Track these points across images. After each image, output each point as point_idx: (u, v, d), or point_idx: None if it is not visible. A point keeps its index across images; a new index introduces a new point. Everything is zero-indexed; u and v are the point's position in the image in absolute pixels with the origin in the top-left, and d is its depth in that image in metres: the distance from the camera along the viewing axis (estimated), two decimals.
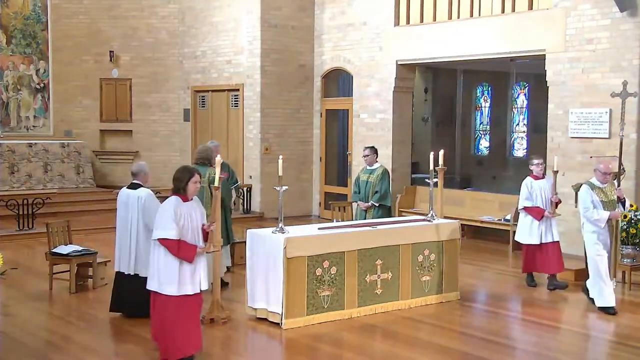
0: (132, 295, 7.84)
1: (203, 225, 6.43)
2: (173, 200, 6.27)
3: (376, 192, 9.99)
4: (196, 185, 6.29)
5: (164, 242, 6.13)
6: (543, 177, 9.61)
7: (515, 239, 9.92)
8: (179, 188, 6.28)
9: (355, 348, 7.07)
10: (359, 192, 10.21)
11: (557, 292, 9.39)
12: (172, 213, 6.16)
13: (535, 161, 9.68)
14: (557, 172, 9.39)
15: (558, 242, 9.58)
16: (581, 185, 8.77)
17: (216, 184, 7.21)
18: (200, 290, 6.35)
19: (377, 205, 9.99)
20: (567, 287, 9.39)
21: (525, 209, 9.53)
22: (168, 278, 6.15)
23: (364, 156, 10.33)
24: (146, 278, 7.72)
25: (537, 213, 9.44)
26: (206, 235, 6.48)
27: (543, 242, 9.44)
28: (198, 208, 6.41)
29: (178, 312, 6.18)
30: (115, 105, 17.55)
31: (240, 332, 7.66)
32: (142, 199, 7.67)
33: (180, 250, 6.12)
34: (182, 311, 6.20)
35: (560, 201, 9.68)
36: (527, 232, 9.53)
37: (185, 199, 6.28)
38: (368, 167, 10.28)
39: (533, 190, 9.52)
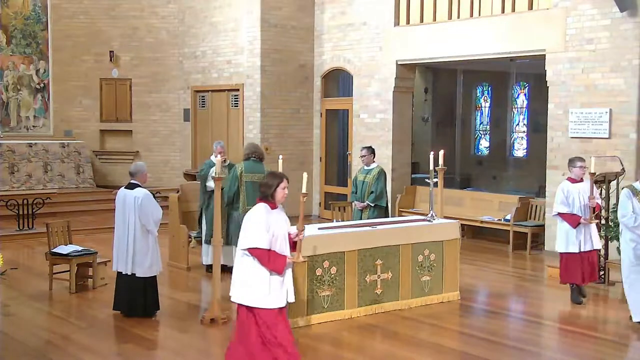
0: (129, 295, 7.86)
1: (290, 233, 5.98)
2: (262, 207, 5.82)
3: (372, 192, 9.98)
4: (284, 192, 5.89)
5: (254, 252, 5.70)
6: (581, 181, 8.80)
7: (556, 249, 9.07)
8: (267, 195, 5.85)
9: (355, 348, 7.07)
10: (357, 192, 10.21)
11: (557, 292, 9.38)
12: (263, 221, 5.73)
13: (579, 163, 8.77)
14: (594, 174, 8.61)
15: (597, 250, 8.98)
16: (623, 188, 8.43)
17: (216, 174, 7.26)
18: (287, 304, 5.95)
19: (372, 205, 9.99)
20: (581, 303, 8.80)
21: (560, 215, 8.81)
22: (258, 290, 5.74)
23: (361, 156, 10.34)
24: (143, 278, 7.77)
25: (572, 221, 8.70)
26: (293, 245, 6.01)
27: (582, 250, 8.72)
28: (284, 215, 5.98)
29: (271, 324, 5.75)
30: (115, 105, 17.55)
31: None
32: (139, 199, 7.67)
33: (271, 260, 5.71)
34: (275, 323, 5.77)
35: (599, 206, 8.93)
36: (564, 239, 8.81)
37: (274, 206, 5.86)
38: (365, 167, 10.28)
39: (570, 194, 8.72)
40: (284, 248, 5.84)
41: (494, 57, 13.02)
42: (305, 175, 5.84)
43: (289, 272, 5.89)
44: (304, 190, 5.88)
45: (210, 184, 9.93)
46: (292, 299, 5.92)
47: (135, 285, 7.81)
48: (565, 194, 8.75)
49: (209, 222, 9.77)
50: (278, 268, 5.74)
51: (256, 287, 5.73)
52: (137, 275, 7.77)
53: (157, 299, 8.03)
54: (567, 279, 8.91)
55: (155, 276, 7.95)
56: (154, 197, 8.15)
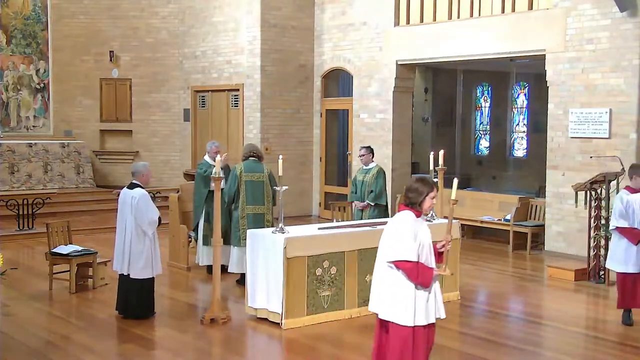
0: (124, 296, 7.86)
1: (434, 244, 5.45)
2: (408, 216, 5.31)
3: (371, 191, 9.97)
4: (433, 202, 5.37)
5: (403, 264, 5.19)
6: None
7: (607, 265, 8.33)
8: (415, 202, 5.32)
9: (355, 348, 7.07)
10: (356, 192, 10.21)
11: (557, 292, 9.38)
12: (411, 231, 5.23)
13: None
14: None
15: None
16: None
17: (216, 175, 7.25)
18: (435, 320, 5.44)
19: (372, 204, 9.98)
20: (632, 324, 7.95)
21: (619, 229, 7.82)
22: (403, 305, 5.23)
23: (360, 156, 10.32)
24: (139, 279, 7.74)
25: (632, 236, 7.70)
26: (439, 256, 5.50)
27: None
28: (426, 224, 5.46)
29: (412, 344, 5.27)
30: (115, 105, 17.55)
31: (240, 332, 7.66)
32: (136, 199, 7.67)
33: (420, 274, 5.21)
34: (416, 344, 5.29)
35: None
36: (622, 257, 7.81)
37: (419, 214, 5.35)
38: (364, 167, 10.28)
39: (629, 206, 7.76)
40: (429, 259, 5.34)
41: (494, 57, 13.01)
42: (455, 180, 5.41)
43: (437, 287, 5.42)
44: (453, 197, 5.40)
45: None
46: (442, 315, 5.44)
47: (130, 286, 7.80)
48: (623, 205, 7.78)
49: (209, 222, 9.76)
50: (426, 282, 5.25)
51: (401, 302, 5.23)
52: (130, 276, 7.76)
53: (152, 302, 7.98)
54: (626, 303, 7.91)
55: (152, 279, 7.92)
56: (154, 197, 8.15)
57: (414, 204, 5.32)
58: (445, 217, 9.49)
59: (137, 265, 7.73)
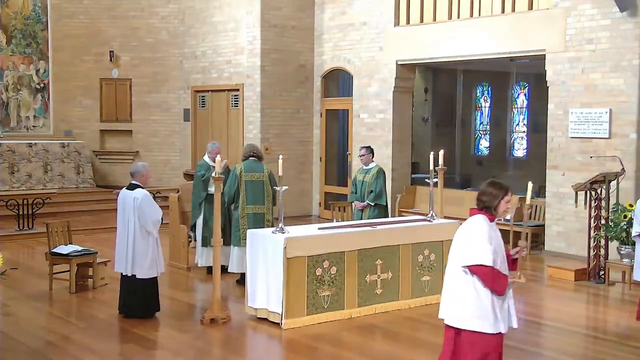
0: (129, 296, 7.86)
1: (507, 250, 5.25)
2: (483, 220, 5.10)
3: (371, 191, 9.96)
4: (508, 205, 5.16)
5: (479, 269, 4.97)
6: None
7: (635, 277, 8.16)
8: (490, 206, 5.11)
9: (355, 348, 7.07)
10: (356, 192, 10.20)
11: (557, 292, 9.38)
12: (487, 235, 5.02)
13: None
14: None
15: None
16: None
17: (216, 175, 7.25)
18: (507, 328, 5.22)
19: (372, 204, 9.98)
20: None
21: None
22: (477, 312, 5.03)
23: (360, 156, 10.31)
24: (143, 279, 7.75)
25: None
26: (513, 263, 5.27)
27: None
28: (498, 229, 5.23)
29: (494, 352, 5.11)
30: (115, 105, 17.55)
31: (240, 332, 7.66)
32: (138, 200, 7.66)
33: (495, 280, 4.99)
34: (497, 352, 5.13)
35: None
36: None
37: (493, 218, 5.13)
38: (364, 167, 10.26)
39: None
40: (503, 266, 5.10)
41: (494, 57, 13.02)
42: (530, 184, 5.29)
43: (510, 295, 5.18)
44: (528, 202, 5.28)
45: (212, 188, 9.91)
46: (515, 324, 5.22)
47: (135, 287, 7.80)
48: None
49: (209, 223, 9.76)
50: (501, 289, 5.02)
51: (475, 309, 5.02)
52: (137, 276, 7.76)
53: (157, 300, 8.02)
54: None
55: (155, 277, 7.94)
56: (154, 197, 8.15)
57: (488, 208, 5.12)
58: (446, 217, 9.51)
59: (143, 266, 7.74)
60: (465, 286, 5.07)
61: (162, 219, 7.84)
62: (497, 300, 5.06)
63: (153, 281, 7.91)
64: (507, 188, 5.16)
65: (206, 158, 10.19)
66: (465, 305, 5.05)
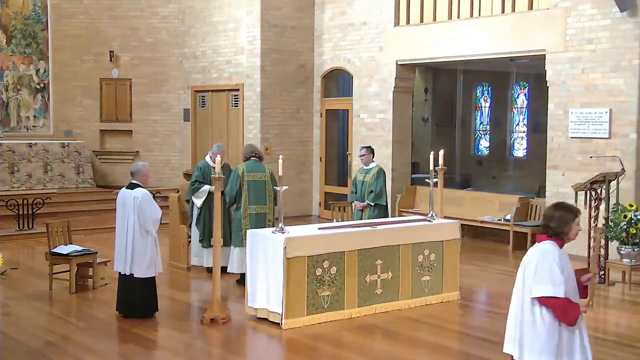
0: (127, 295, 7.87)
1: (577, 276, 4.91)
2: (553, 247, 4.72)
3: (371, 191, 9.96)
4: (579, 227, 4.81)
5: (550, 301, 4.64)
6: None
7: None
8: (560, 232, 4.73)
9: (355, 348, 7.07)
10: (356, 192, 10.19)
11: None
12: (558, 265, 4.66)
13: None
14: None
15: None
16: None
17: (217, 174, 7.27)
18: None
19: (372, 204, 9.98)
20: None
21: None
22: (547, 347, 4.69)
23: (361, 156, 10.30)
24: (142, 278, 7.75)
25: None
26: (583, 290, 4.93)
27: None
28: (567, 255, 4.88)
29: None
30: (115, 105, 17.55)
31: (240, 332, 7.66)
32: (138, 199, 7.67)
33: (567, 311, 4.65)
34: None
35: None
36: None
37: (562, 244, 4.77)
38: (364, 167, 10.26)
39: None
40: (574, 294, 4.77)
41: (494, 57, 13.02)
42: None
43: (583, 326, 4.85)
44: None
45: (197, 201, 9.95)
46: (589, 358, 4.93)
47: (133, 286, 7.80)
48: None
49: (209, 223, 9.77)
50: (572, 320, 4.70)
51: (544, 342, 4.70)
52: (135, 275, 7.76)
53: (156, 300, 8.00)
54: None
55: (153, 278, 7.93)
56: (154, 197, 8.15)
57: (558, 234, 4.74)
58: (446, 217, 9.51)
59: (142, 265, 7.74)
60: (533, 318, 4.75)
61: (161, 218, 7.84)
62: (567, 333, 4.76)
63: (151, 281, 7.90)
64: (577, 211, 4.81)
65: (208, 159, 10.18)
66: (539, 340, 4.73)
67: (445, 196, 9.70)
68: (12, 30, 16.80)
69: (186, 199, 10.28)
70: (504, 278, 10.37)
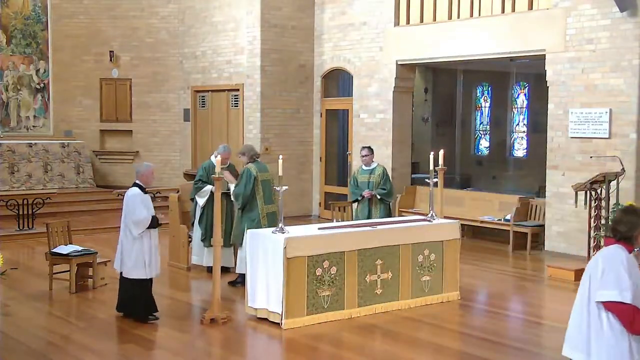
0: (121, 294, 7.91)
1: None
2: (621, 252, 4.59)
3: (383, 189, 9.96)
4: None
5: (615, 306, 4.48)
6: None
7: None
8: (629, 237, 4.61)
9: (355, 348, 7.07)
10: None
11: (557, 292, 9.38)
12: (626, 269, 4.51)
13: None
14: None
15: None
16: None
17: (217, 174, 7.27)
18: None
19: (379, 197, 9.94)
20: None
21: None
22: (616, 354, 4.53)
23: (364, 156, 10.27)
24: (131, 280, 7.70)
25: None
26: None
27: None
28: (636, 261, 4.72)
29: None
30: (115, 105, 17.55)
31: (240, 332, 7.66)
32: (128, 195, 7.72)
33: (635, 318, 4.46)
34: None
35: None
36: None
37: (632, 249, 4.65)
38: (365, 167, 10.24)
39: None
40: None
41: (494, 57, 13.02)
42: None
43: None
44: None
45: (200, 200, 9.94)
46: None
47: (125, 285, 7.82)
48: None
49: (211, 223, 9.76)
50: (638, 329, 4.49)
51: (613, 349, 4.54)
52: (123, 274, 7.78)
53: (149, 305, 7.84)
54: None
55: (145, 280, 7.79)
56: (154, 197, 8.15)
57: (627, 239, 4.62)
58: (446, 217, 9.51)
59: (127, 264, 7.73)
60: (600, 324, 4.58)
61: (154, 221, 7.70)
62: (635, 343, 4.55)
63: (140, 283, 7.75)
64: None
65: (213, 159, 10.13)
66: (601, 346, 4.57)
67: (445, 196, 9.69)
68: (12, 30, 16.80)
69: (190, 197, 10.27)
70: (504, 278, 10.38)
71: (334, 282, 7.79)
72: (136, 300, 7.78)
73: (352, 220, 10.16)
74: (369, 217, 9.92)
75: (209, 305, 7.96)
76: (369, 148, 10.33)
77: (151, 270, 7.81)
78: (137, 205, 7.65)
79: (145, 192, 7.85)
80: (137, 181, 7.85)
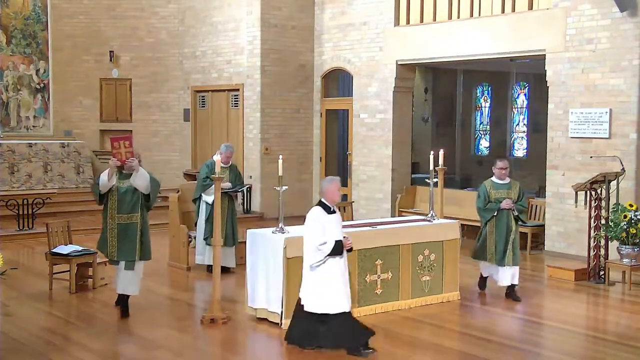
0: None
1: None
2: None
3: (523, 205, 9.05)
4: None
5: None
6: None
7: None
8: None
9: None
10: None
11: (557, 292, 9.38)
12: None
13: None
14: None
15: None
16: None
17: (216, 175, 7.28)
18: None
19: (515, 214, 8.95)
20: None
21: None
22: None
23: (501, 169, 8.97)
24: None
25: None
26: None
27: None
28: None
29: None
30: (115, 105, 17.55)
31: (240, 332, 7.66)
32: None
33: None
34: None
35: None
36: None
37: None
38: (499, 182, 9.05)
39: None
40: None
41: (494, 57, 13.01)
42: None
43: None
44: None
45: (209, 198, 9.90)
46: None
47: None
48: None
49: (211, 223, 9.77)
50: None
51: None
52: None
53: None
54: None
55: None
56: None
57: None
58: (446, 217, 9.50)
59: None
60: None
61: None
62: None
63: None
64: None
65: (216, 157, 10.13)
66: None
67: (445, 196, 9.69)
68: (12, 30, 16.80)
69: (194, 197, 10.19)
70: None
71: None
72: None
73: (353, 220, 10.11)
74: (507, 234, 8.94)
75: (209, 305, 7.96)
76: (507, 160, 9.28)
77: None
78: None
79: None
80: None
